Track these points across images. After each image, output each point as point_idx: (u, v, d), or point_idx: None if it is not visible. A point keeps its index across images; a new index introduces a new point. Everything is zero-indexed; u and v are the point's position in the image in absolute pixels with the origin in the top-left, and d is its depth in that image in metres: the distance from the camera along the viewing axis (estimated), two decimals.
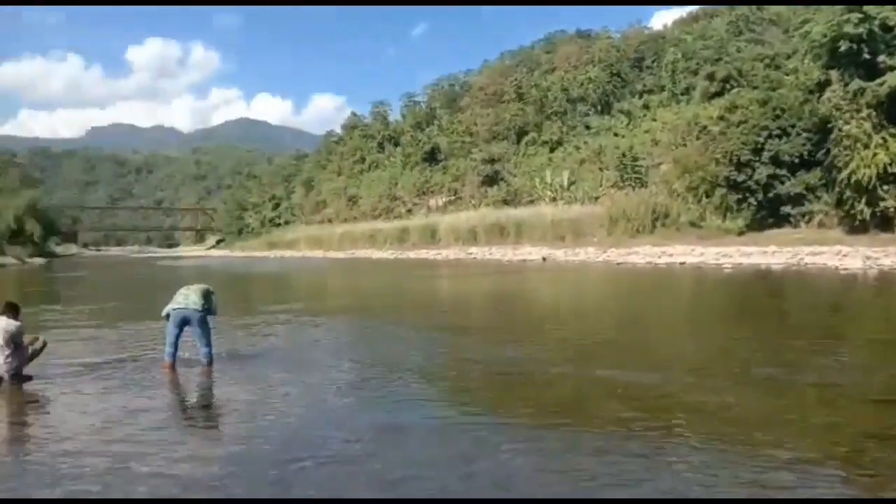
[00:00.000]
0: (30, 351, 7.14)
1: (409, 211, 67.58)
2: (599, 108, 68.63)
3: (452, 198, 64.94)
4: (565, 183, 49.95)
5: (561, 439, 4.91)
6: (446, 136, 78.75)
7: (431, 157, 75.99)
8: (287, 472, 4.27)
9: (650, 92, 66.68)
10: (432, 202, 67.22)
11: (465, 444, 4.85)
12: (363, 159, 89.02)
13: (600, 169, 50.34)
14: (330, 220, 76.61)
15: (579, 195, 47.23)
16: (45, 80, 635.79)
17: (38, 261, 63.16)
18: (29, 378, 7.04)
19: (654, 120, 57.76)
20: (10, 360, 6.80)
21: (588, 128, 65.22)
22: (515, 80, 78.41)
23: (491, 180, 61.24)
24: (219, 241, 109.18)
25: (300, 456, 4.57)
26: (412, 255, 48.37)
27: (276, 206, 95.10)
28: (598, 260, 32.74)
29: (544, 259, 35.54)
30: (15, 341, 6.88)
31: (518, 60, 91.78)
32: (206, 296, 7.69)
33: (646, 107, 63.81)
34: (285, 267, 42.37)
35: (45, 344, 7.41)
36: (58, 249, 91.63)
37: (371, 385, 7.03)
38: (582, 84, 69.93)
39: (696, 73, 58.75)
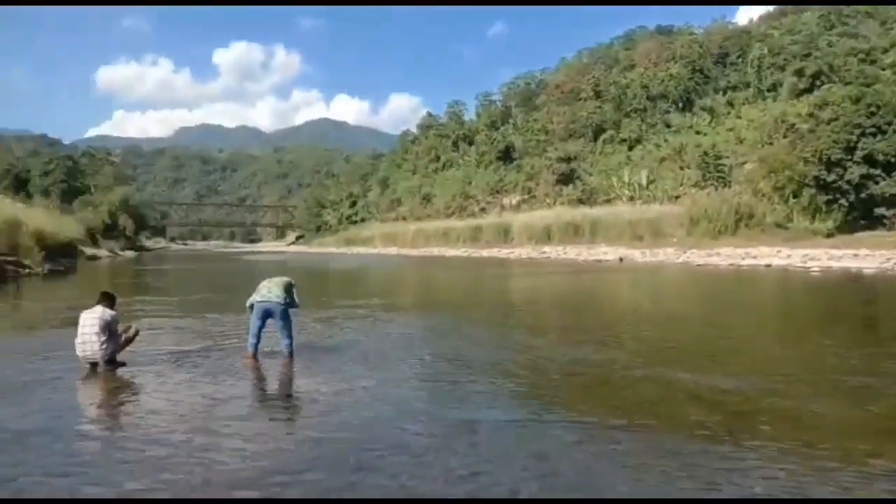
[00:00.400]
0: (123, 339, 7.55)
1: (483, 209, 67.60)
2: (680, 105, 66.76)
3: (526, 197, 64.57)
4: (644, 182, 48.88)
5: (639, 441, 4.82)
6: (521, 135, 78.40)
7: (506, 155, 75.81)
8: (364, 462, 4.36)
9: (734, 88, 64.40)
10: (506, 201, 67.04)
11: (539, 442, 4.82)
12: (438, 158, 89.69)
13: (681, 168, 48.98)
14: (404, 218, 77.58)
15: (658, 194, 46.14)
16: (138, 84, 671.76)
17: (130, 254, 66.65)
18: (122, 364, 7.44)
19: (739, 117, 55.76)
20: (105, 346, 7.20)
21: (668, 126, 63.55)
22: (593, 77, 77.26)
23: (566, 179, 60.55)
24: (298, 238, 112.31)
25: (377, 447, 4.66)
26: (485, 253, 48.38)
27: (353, 203, 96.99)
28: (677, 261, 31.86)
29: (621, 259, 34.85)
30: (110, 329, 7.29)
31: (596, 58, 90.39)
32: (288, 289, 7.97)
33: (730, 104, 61.65)
34: (360, 263, 43.12)
35: (137, 332, 7.83)
36: (148, 243, 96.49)
37: (445, 381, 7.09)
38: (662, 81, 68.19)
39: (783, 68, 56.40)
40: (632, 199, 48.08)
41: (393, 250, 63.19)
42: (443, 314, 13.78)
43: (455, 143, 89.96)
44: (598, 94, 73.90)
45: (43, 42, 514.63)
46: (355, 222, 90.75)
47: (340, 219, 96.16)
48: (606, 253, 37.27)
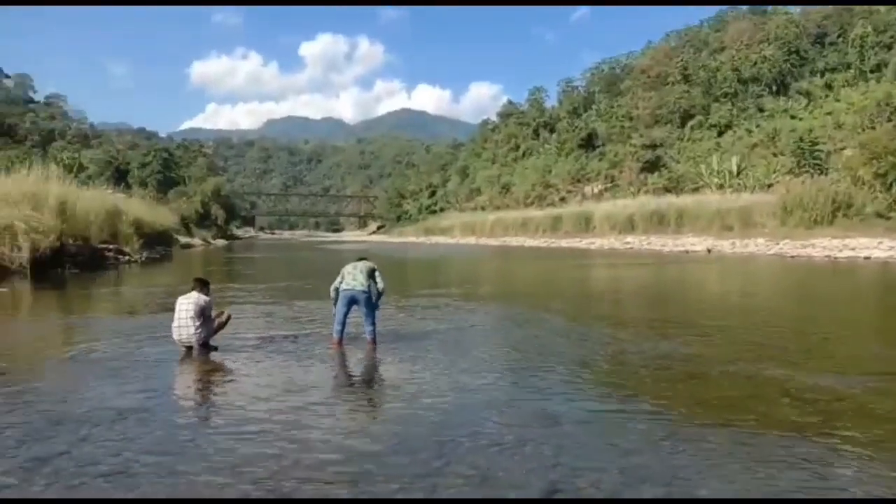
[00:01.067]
0: (216, 323, 7.89)
1: (563, 199, 66.71)
2: (774, 88, 63.65)
3: (609, 185, 63.28)
4: (734, 169, 46.96)
5: (727, 439, 4.64)
6: (604, 122, 76.73)
7: (588, 143, 74.43)
8: (445, 450, 4.39)
9: (833, 70, 60.79)
10: (587, 189, 65.91)
11: (623, 435, 4.72)
12: (517, 147, 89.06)
13: (774, 154, 46.79)
14: (483, 208, 77.54)
15: (749, 182, 44.23)
16: (229, 77, 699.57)
17: (221, 242, 69.61)
18: (214, 348, 7.79)
19: (838, 101, 52.69)
20: (199, 331, 7.54)
21: (761, 110, 60.71)
22: (681, 60, 74.70)
23: (652, 166, 58.96)
24: (379, 227, 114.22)
25: (457, 436, 4.68)
26: (564, 243, 47.76)
27: (433, 193, 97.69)
28: (769, 252, 30.48)
29: (709, 250, 33.66)
30: (204, 314, 7.64)
31: (685, 41, 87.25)
32: (371, 275, 8.11)
33: (828, 86, 58.29)
34: (440, 253, 43.42)
35: (229, 318, 8.16)
36: (238, 232, 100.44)
37: (525, 372, 7.05)
38: (755, 63, 65.18)
39: (889, 47, 52.84)
40: (721, 187, 46.25)
41: (472, 240, 63.31)
42: (523, 304, 13.71)
43: (536, 131, 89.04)
44: (686, 78, 71.39)
45: (141, 40, 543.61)
46: (435, 212, 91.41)
47: (420, 208, 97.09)
48: (693, 244, 36.07)
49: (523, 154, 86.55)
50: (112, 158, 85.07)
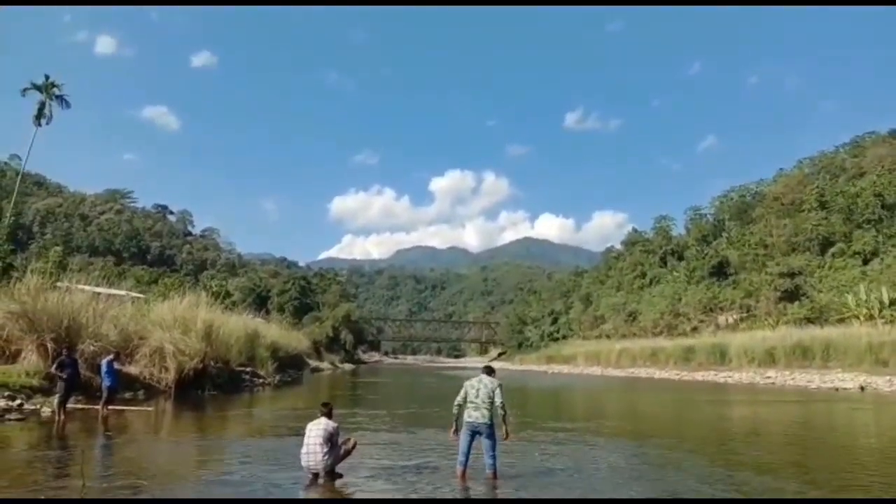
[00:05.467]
0: (342, 450, 7.97)
1: (695, 329, 63.64)
2: None
3: (744, 315, 59.92)
4: (885, 299, 43.22)
5: None
6: (736, 249, 73.97)
7: (719, 271, 71.69)
8: None
9: None
10: (721, 319, 62.67)
11: None
12: (644, 274, 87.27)
13: None
14: (608, 336, 75.34)
15: None
16: (364, 211, 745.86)
17: (348, 366, 71.51)
18: (340, 476, 7.82)
19: None
20: (326, 457, 7.64)
21: None
22: (817, 187, 71.81)
23: (791, 296, 55.52)
24: (500, 354, 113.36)
25: None
26: (698, 376, 44.98)
27: (555, 320, 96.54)
28: None
29: (862, 388, 30.48)
30: (332, 440, 7.75)
31: (819, 167, 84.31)
32: (493, 396, 7.93)
33: None
34: (563, 382, 42.17)
35: (355, 445, 8.24)
36: (364, 356, 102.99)
37: None
38: None
39: None
40: (871, 318, 42.53)
41: (596, 370, 61.15)
42: (656, 443, 12.86)
43: (663, 259, 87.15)
44: (823, 205, 68.20)
45: (290, 179, 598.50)
46: (557, 339, 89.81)
47: (542, 335, 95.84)
48: (843, 380, 32.84)
49: (650, 282, 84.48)
50: (255, 286, 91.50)
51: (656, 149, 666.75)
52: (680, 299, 71.24)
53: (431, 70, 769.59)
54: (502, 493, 7.44)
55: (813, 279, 57.62)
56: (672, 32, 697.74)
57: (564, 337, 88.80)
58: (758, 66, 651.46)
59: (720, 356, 47.79)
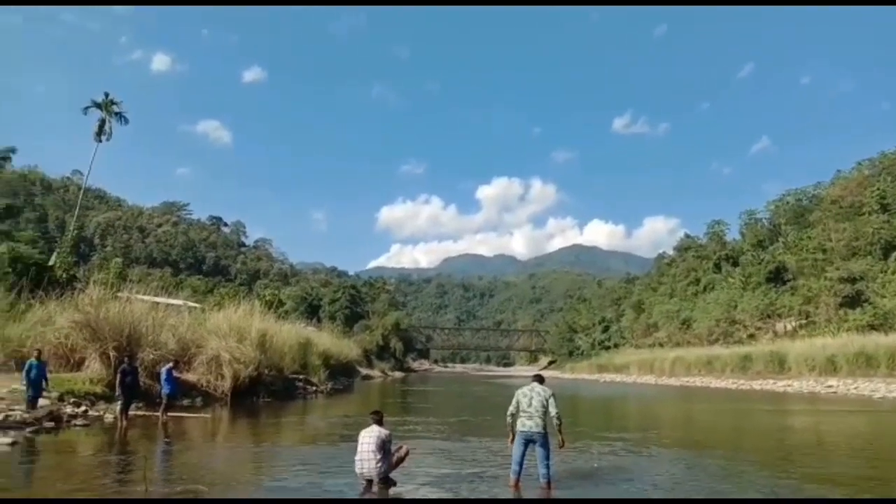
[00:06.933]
0: (395, 458, 8.00)
1: (752, 336, 61.89)
2: None
3: (804, 321, 58.00)
4: None
5: None
6: (794, 254, 71.67)
7: (776, 276, 69.63)
8: None
9: None
10: (779, 326, 60.81)
11: None
12: (697, 280, 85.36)
13: None
14: (661, 344, 73.84)
15: None
16: (411, 220, 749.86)
17: (398, 374, 71.89)
18: (393, 483, 7.85)
19: None
20: (380, 465, 7.68)
21: None
22: (878, 189, 69.07)
23: (852, 302, 53.51)
24: (550, 362, 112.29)
25: None
26: (756, 385, 43.70)
27: (606, 328, 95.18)
28: None
29: None
30: (384, 448, 7.79)
31: (880, 168, 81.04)
32: (546, 405, 7.87)
33: None
34: (616, 392, 41.53)
35: (407, 452, 8.26)
36: (413, 364, 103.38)
37: None
38: None
39: None
40: None
41: (650, 378, 60.00)
42: (713, 454, 12.52)
43: (717, 265, 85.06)
44: (884, 208, 65.55)
45: (339, 190, 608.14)
46: (608, 348, 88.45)
47: (593, 344, 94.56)
48: None
49: (704, 288, 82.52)
50: (307, 295, 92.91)
51: (707, 152, 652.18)
52: (735, 306, 69.37)
53: (475, 78, 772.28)
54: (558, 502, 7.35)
55: (875, 284, 55.38)
56: (721, 34, 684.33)
57: (616, 345, 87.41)
58: (810, 67, 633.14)
59: (779, 364, 46.37)
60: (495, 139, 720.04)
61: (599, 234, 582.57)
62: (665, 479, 9.29)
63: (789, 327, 58.88)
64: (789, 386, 40.43)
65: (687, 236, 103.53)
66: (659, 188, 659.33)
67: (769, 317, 63.43)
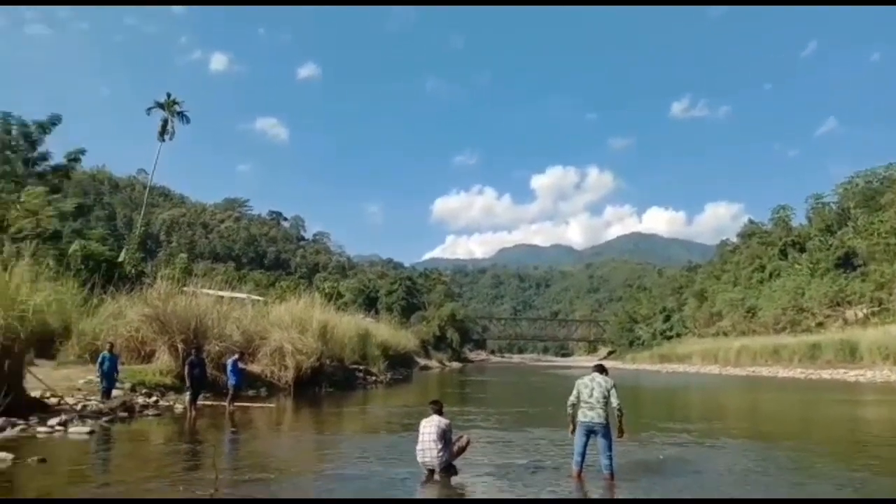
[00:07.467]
0: (456, 447, 8.03)
1: (821, 324, 59.66)
2: None
3: (876, 308, 55.57)
4: None
5: None
6: (864, 239, 68.64)
7: (846, 262, 66.91)
8: None
9: None
10: (849, 314, 58.42)
11: None
12: (762, 268, 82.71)
13: None
14: (725, 333, 71.97)
15: None
16: (466, 211, 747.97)
17: (455, 364, 72.22)
18: (455, 473, 7.88)
19: None
20: (441, 454, 7.72)
21: None
22: None
23: None
24: (610, 353, 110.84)
25: None
26: (826, 374, 42.14)
27: (667, 318, 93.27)
28: None
29: None
30: (445, 437, 7.82)
31: None
32: (608, 395, 7.76)
33: None
34: (679, 382, 40.71)
35: (468, 442, 8.28)
36: (470, 355, 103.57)
37: None
38: None
39: None
40: None
41: (714, 369, 58.55)
42: (783, 445, 12.12)
43: (783, 251, 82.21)
44: None
45: (393, 183, 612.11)
46: (670, 338, 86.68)
47: (654, 334, 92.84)
48: None
49: (770, 275, 79.91)
50: (364, 287, 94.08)
51: (771, 135, 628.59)
52: (803, 293, 66.97)
53: (528, 66, 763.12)
54: (619, 494, 7.25)
55: None
56: (780, 12, 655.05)
57: (678, 335, 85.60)
58: (879, 43, 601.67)
59: (850, 353, 44.59)
60: (549, 127, 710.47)
61: (659, 221, 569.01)
62: (734, 471, 9.04)
63: (860, 315, 56.52)
64: (861, 375, 38.85)
65: (751, 222, 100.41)
66: (720, 173, 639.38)
67: (839, 304, 61.03)
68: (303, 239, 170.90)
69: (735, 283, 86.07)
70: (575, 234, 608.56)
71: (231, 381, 15.77)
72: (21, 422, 10.90)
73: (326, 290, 61.83)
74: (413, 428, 8.26)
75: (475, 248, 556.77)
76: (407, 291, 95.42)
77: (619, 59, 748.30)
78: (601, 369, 8.16)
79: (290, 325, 23.13)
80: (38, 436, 10.41)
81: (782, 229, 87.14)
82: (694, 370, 59.82)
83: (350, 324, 30.87)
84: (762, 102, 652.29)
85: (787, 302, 67.23)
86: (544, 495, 7.12)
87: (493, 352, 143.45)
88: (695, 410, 22.06)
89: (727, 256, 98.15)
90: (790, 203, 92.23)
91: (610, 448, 7.75)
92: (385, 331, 40.73)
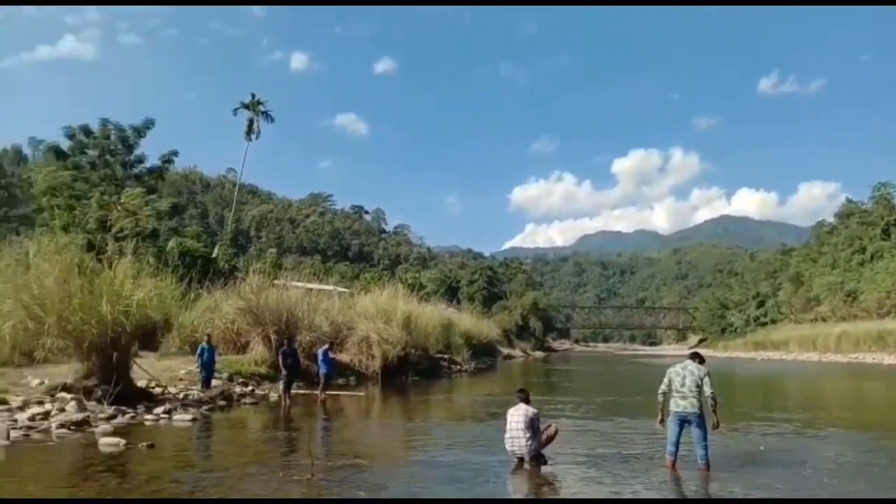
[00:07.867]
0: (545, 436, 7.98)
1: None
2: None
3: None
4: None
5: None
6: None
7: None
8: None
9: None
10: None
11: None
12: (863, 249, 77.96)
13: None
14: (824, 319, 68.38)
15: None
16: (545, 198, 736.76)
17: (539, 354, 71.80)
18: (545, 462, 7.84)
19: None
20: (530, 443, 7.69)
21: None
22: None
23: None
24: (700, 341, 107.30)
25: None
26: None
27: (761, 304, 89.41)
28: None
29: None
30: (533, 426, 7.78)
31: None
32: (701, 386, 7.53)
33: None
34: (776, 370, 39.05)
35: (557, 431, 8.21)
36: (554, 344, 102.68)
37: None
38: None
39: None
40: None
41: (812, 356, 55.81)
42: (890, 435, 11.45)
43: (885, 231, 77.20)
44: None
45: (470, 171, 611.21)
46: (764, 324, 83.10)
47: (747, 320, 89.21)
48: None
49: (871, 257, 75.27)
50: (445, 277, 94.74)
51: (870, 109, 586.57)
52: None
53: (605, 47, 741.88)
54: (715, 486, 7.03)
55: None
56: None
57: (773, 321, 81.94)
58: None
59: None
60: (630, 110, 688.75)
61: (749, 203, 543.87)
62: (842, 462, 8.60)
63: None
64: None
65: (849, 201, 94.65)
66: (814, 151, 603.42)
67: None
68: (384, 231, 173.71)
69: (833, 265, 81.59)
70: (660, 218, 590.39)
71: (322, 370, 16.22)
72: (130, 410, 11.59)
73: (409, 281, 62.48)
74: (499, 416, 8.28)
75: (555, 235, 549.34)
76: (488, 281, 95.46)
77: (701, 35, 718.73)
78: (696, 356, 7.92)
79: (376, 315, 23.59)
80: (146, 423, 11.05)
81: (884, 208, 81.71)
82: (791, 358, 57.21)
83: (433, 314, 31.18)
84: (859, 75, 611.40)
85: (891, 285, 63.19)
86: (636, 486, 6.98)
87: (576, 341, 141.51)
88: (794, 399, 21.11)
89: (824, 238, 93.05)
90: (892, 180, 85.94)
91: (705, 438, 7.51)
92: (467, 320, 40.92)
